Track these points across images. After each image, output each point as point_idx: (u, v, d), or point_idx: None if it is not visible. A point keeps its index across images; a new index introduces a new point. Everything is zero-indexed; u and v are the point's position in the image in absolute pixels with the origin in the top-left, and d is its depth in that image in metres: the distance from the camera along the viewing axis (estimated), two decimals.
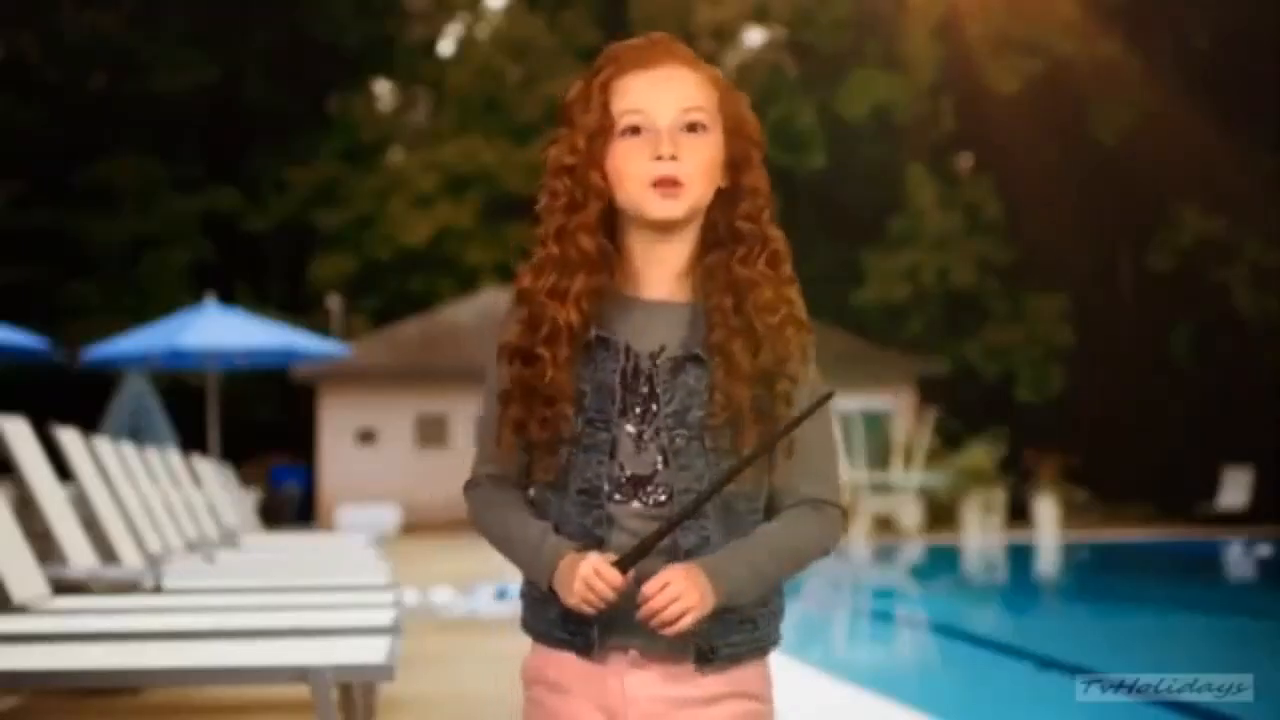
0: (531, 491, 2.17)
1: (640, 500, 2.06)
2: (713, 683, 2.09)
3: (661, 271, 2.11)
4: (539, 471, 2.11)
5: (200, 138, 32.40)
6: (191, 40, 31.17)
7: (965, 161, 31.72)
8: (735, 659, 2.09)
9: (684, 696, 2.09)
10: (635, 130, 2.06)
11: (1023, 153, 28.05)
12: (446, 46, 35.45)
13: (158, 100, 30.59)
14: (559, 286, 2.07)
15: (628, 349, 2.07)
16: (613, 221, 2.11)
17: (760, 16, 30.66)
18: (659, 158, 2.04)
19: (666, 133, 2.05)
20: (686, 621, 1.98)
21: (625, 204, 2.08)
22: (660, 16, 29.42)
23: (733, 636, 2.08)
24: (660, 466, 2.06)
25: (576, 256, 2.07)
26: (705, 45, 28.00)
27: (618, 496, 2.06)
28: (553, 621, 2.11)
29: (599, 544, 2.05)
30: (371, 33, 33.26)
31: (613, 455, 2.06)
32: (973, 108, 29.05)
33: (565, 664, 2.12)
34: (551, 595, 2.07)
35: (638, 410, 2.07)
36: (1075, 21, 27.25)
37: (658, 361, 2.07)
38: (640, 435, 2.06)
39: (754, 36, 31.87)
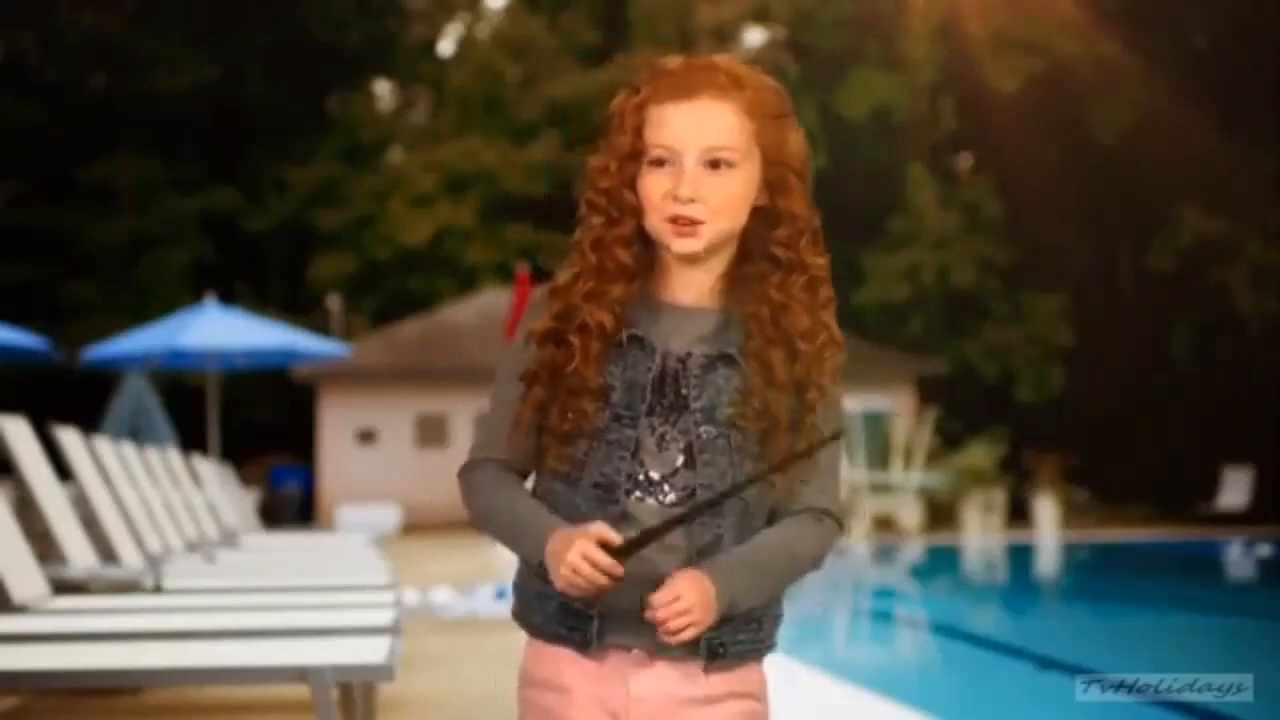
0: (535, 482, 2.18)
1: (657, 499, 2.07)
2: (715, 682, 2.11)
3: (695, 280, 2.13)
4: (552, 459, 2.11)
5: (200, 138, 32.40)
6: (191, 40, 31.18)
7: (965, 161, 31.73)
8: (740, 658, 2.12)
9: (688, 696, 2.10)
10: (661, 162, 2.07)
11: (1023, 153, 28.05)
12: (446, 46, 35.47)
13: (158, 100, 30.59)
14: (596, 291, 2.09)
15: (663, 351, 2.09)
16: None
17: (760, 16, 30.64)
18: (677, 198, 2.06)
19: (688, 172, 2.06)
20: (689, 635, 2.01)
21: (650, 231, 2.11)
22: (660, 16, 29.39)
23: (739, 635, 2.10)
24: (681, 466, 2.08)
25: (613, 267, 2.10)
26: (705, 45, 27.99)
27: (636, 494, 2.07)
28: (550, 615, 2.11)
29: None
30: (371, 33, 33.26)
31: (635, 453, 2.08)
32: (973, 108, 29.05)
33: (565, 662, 2.11)
34: (550, 586, 2.07)
35: (664, 410, 2.09)
36: (1075, 21, 27.25)
37: (688, 362, 2.09)
38: (664, 435, 2.08)
39: (754, 36, 31.87)
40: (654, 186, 2.07)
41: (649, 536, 1.99)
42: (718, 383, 2.08)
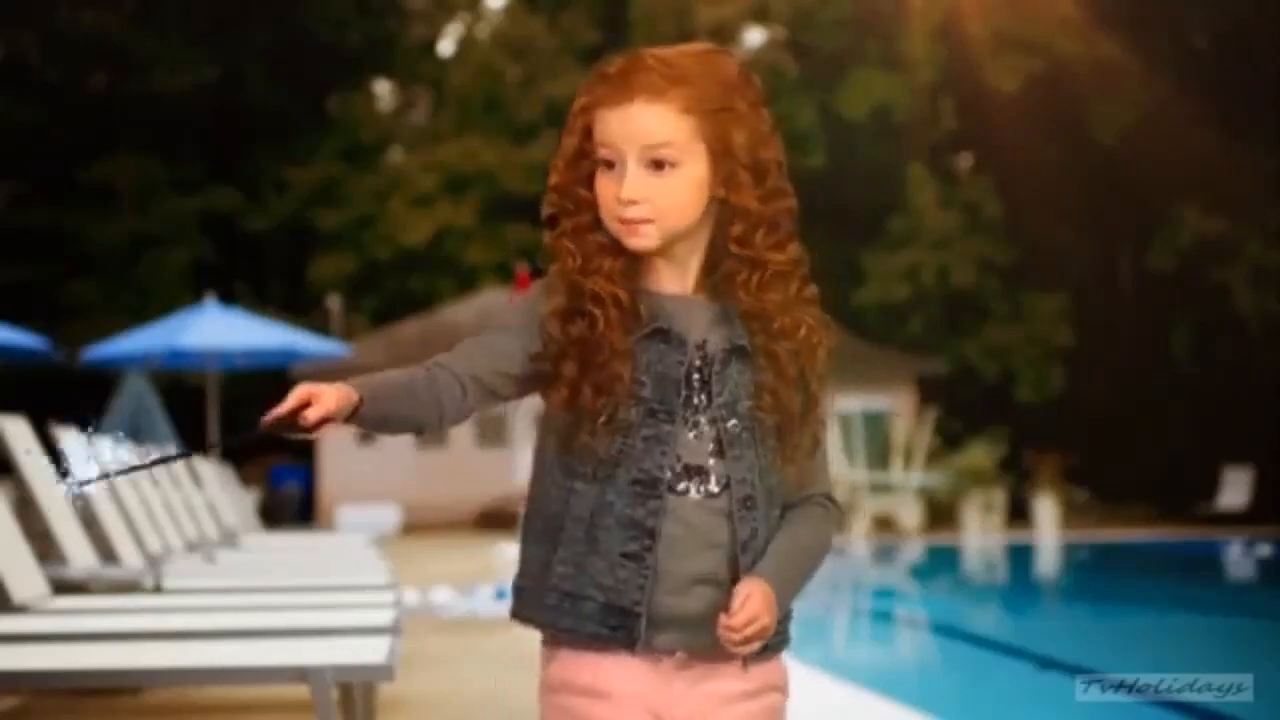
0: (537, 481, 2.16)
1: (697, 490, 2.08)
2: (753, 676, 2.15)
3: (674, 273, 2.15)
4: (584, 435, 2.07)
5: (200, 138, 32.40)
6: (191, 40, 31.18)
7: (965, 161, 31.73)
8: (776, 650, 2.17)
9: (727, 692, 2.13)
10: (611, 164, 2.09)
11: (1023, 153, 28.05)
12: (446, 46, 35.46)
13: (158, 100, 30.59)
14: (589, 267, 2.10)
15: (695, 344, 2.10)
16: None
17: (760, 16, 30.65)
18: (620, 201, 2.07)
19: (629, 175, 2.07)
20: (757, 646, 2.07)
21: (609, 230, 2.12)
22: (660, 16, 29.38)
23: (777, 629, 2.14)
24: (715, 456, 2.09)
25: (594, 248, 2.11)
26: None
27: (681, 485, 2.08)
28: (587, 617, 2.07)
29: (651, 535, 2.05)
30: (371, 33, 33.26)
31: (673, 446, 2.09)
32: (973, 108, 29.06)
33: (606, 664, 2.09)
34: (584, 587, 2.06)
35: (695, 401, 2.10)
36: (1075, 21, 27.26)
37: (707, 349, 2.11)
38: (697, 425, 2.10)
39: (754, 36, 31.88)
40: (604, 189, 2.09)
41: (276, 424, 2.04)
42: (734, 376, 2.10)
